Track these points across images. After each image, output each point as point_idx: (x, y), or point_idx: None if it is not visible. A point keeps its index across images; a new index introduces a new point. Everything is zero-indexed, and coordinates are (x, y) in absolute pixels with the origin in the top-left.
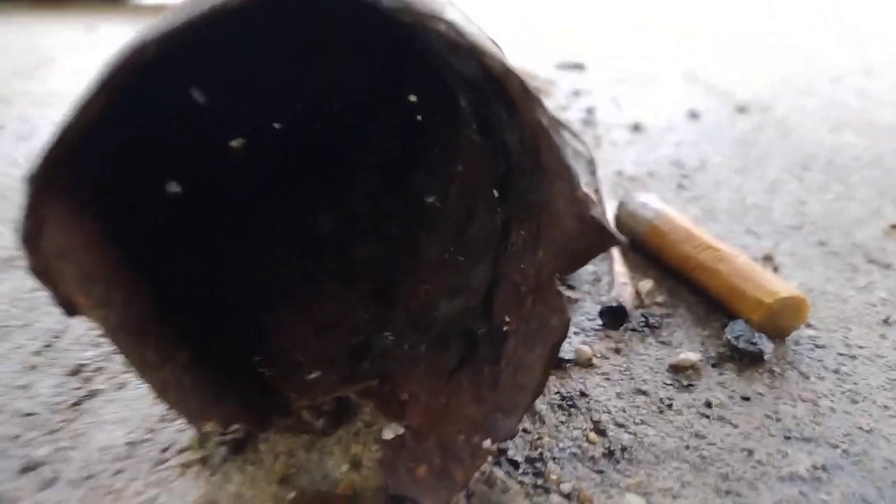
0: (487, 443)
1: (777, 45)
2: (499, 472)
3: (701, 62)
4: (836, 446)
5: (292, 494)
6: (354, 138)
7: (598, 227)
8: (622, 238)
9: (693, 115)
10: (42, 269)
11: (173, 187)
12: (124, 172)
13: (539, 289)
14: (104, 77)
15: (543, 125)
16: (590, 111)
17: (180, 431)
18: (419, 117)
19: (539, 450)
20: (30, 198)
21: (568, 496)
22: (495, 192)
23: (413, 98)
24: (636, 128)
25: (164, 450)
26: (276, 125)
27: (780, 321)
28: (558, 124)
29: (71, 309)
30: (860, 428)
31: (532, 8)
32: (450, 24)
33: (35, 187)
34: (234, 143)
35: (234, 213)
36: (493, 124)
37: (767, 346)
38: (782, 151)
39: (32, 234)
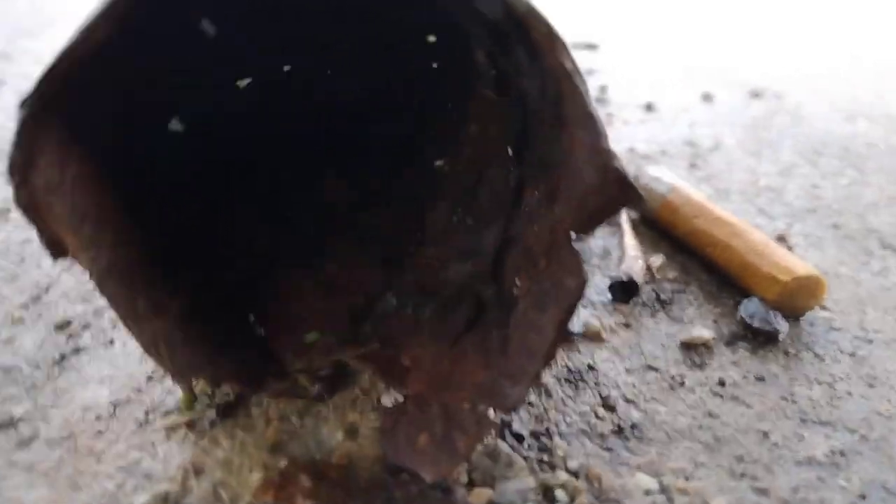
0: (492, 412)
1: (792, 32)
2: (503, 446)
3: (716, 46)
4: (853, 431)
5: (284, 462)
6: (362, 102)
7: (621, 178)
8: (643, 192)
9: (707, 98)
10: (31, 204)
11: (175, 125)
12: (124, 107)
13: (553, 249)
14: (110, 3)
15: (567, 69)
16: (602, 90)
17: (168, 393)
18: (435, 65)
19: (545, 424)
20: (23, 125)
21: (576, 473)
22: (509, 151)
23: (432, 38)
24: (649, 107)
25: (150, 411)
26: (286, 67)
27: (796, 300)
28: (582, 76)
29: (58, 249)
30: (878, 413)
31: None
32: None
33: (30, 114)
34: (241, 83)
35: (238, 165)
36: (511, 76)
37: (782, 326)
38: (795, 136)
39: (24, 165)
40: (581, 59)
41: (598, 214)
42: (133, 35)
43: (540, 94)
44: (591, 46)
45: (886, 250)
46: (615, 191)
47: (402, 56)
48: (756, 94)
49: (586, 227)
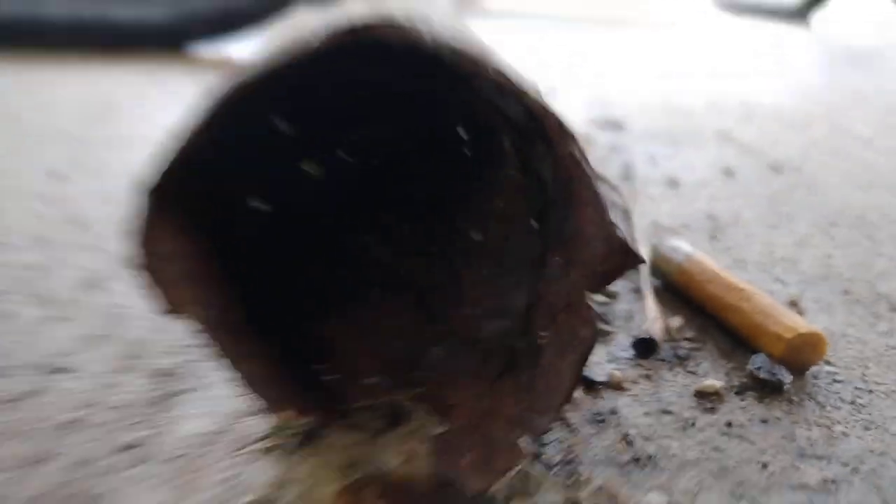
0: (524, 440)
1: (809, 109)
2: (534, 471)
3: (736, 123)
4: (846, 464)
5: (355, 478)
6: (404, 173)
7: (625, 248)
8: (644, 258)
9: (728, 173)
10: (152, 269)
11: (258, 204)
12: (220, 192)
13: (571, 305)
14: (210, 109)
15: (575, 157)
16: (627, 166)
17: (258, 425)
18: (467, 152)
19: (572, 455)
20: (147, 207)
21: (597, 491)
22: (534, 224)
23: (463, 133)
24: (672, 183)
25: (245, 438)
26: (345, 156)
27: (799, 356)
28: (590, 162)
29: (171, 307)
30: (872, 451)
31: (567, 65)
32: (498, 70)
33: (152, 198)
34: (307, 168)
35: (304, 231)
36: (532, 161)
37: (787, 378)
38: (812, 208)
39: (147, 239)
40: (606, 136)
41: (607, 277)
42: (223, 134)
43: (555, 178)
44: (617, 125)
45: (894, 313)
46: (620, 258)
47: (437, 144)
48: (776, 169)
49: (597, 288)
